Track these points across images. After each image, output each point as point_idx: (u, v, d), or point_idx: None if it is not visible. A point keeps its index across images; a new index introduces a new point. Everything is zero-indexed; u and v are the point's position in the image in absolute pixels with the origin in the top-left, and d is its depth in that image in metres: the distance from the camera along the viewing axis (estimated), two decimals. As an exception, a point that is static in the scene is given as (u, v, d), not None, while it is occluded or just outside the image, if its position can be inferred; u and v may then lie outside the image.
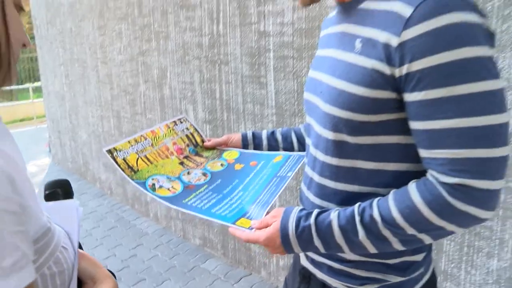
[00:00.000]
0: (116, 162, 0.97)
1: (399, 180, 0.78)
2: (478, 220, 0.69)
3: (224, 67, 2.51)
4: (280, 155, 1.08)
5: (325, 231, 0.79)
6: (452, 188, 0.68)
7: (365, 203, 0.77)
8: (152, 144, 1.08)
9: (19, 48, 0.63)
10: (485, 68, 0.66)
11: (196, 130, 1.22)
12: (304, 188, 0.95)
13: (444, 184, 0.69)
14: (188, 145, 1.16)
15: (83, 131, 4.54)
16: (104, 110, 4.00)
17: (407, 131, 0.75)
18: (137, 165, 1.00)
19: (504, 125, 0.67)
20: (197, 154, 1.15)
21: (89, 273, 0.71)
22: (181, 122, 1.20)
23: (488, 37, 0.69)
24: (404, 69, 0.69)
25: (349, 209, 0.77)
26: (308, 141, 0.95)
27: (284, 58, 2.13)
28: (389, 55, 0.70)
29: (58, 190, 0.93)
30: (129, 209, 3.84)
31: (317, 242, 0.80)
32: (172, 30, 2.88)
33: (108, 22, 3.62)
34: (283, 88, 2.18)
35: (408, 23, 0.67)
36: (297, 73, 2.09)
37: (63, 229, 0.70)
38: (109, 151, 0.98)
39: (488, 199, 0.67)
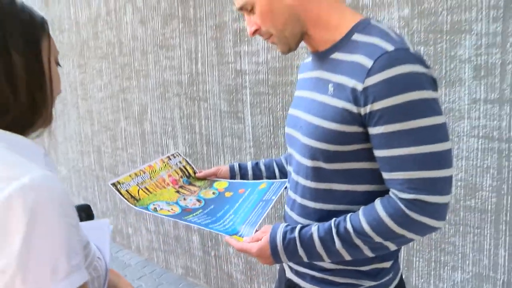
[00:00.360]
0: (121, 193, 1.11)
1: (367, 199, 0.94)
2: (432, 229, 0.86)
3: (203, 104, 2.65)
4: (264, 182, 1.23)
5: (307, 242, 0.94)
6: (409, 203, 0.84)
7: (340, 218, 0.92)
8: (150, 177, 1.22)
9: (57, 96, 0.76)
10: (430, 107, 0.83)
11: (188, 163, 1.38)
12: (287, 209, 1.09)
13: (402, 200, 0.85)
14: (181, 177, 1.30)
15: (62, 166, 4.58)
16: (85, 146, 4.07)
17: (372, 158, 0.91)
18: (138, 195, 1.13)
19: (448, 151, 0.85)
20: (190, 184, 1.29)
21: (113, 282, 0.89)
22: (175, 157, 1.36)
23: (432, 83, 0.87)
24: (368, 108, 0.85)
25: (327, 223, 0.93)
26: (290, 168, 1.10)
27: (260, 95, 2.29)
28: (355, 97, 0.86)
29: (82, 214, 1.07)
30: (111, 242, 3.87)
31: (301, 252, 0.94)
32: (152, 68, 3.02)
33: (89, 60, 3.74)
34: (259, 122, 2.32)
35: (369, 72, 0.84)
36: (272, 108, 2.24)
37: (94, 244, 0.84)
38: (114, 184, 1.13)
39: (438, 211, 0.85)
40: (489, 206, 1.54)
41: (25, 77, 0.68)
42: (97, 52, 3.61)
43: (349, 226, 0.90)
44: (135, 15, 3.09)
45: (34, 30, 0.72)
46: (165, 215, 1.07)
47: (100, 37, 3.52)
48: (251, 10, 0.98)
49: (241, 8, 1.00)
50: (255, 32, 1.01)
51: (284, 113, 2.19)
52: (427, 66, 0.86)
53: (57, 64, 0.77)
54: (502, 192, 1.51)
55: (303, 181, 1.01)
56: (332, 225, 0.92)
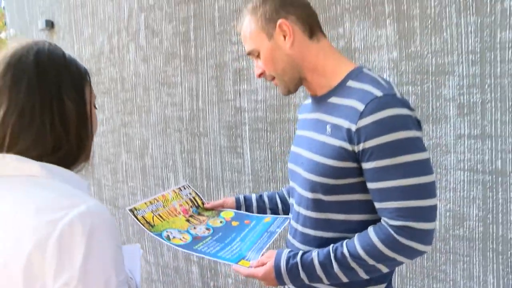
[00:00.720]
0: (137, 219, 1.22)
1: (362, 227, 1.05)
2: (419, 253, 0.98)
3: (204, 139, 2.76)
4: (268, 217, 1.34)
5: (308, 266, 1.05)
6: (399, 229, 0.96)
7: (337, 244, 1.04)
8: (163, 206, 1.34)
9: (95, 134, 0.89)
10: (415, 145, 0.97)
11: (197, 194, 1.49)
12: (290, 237, 1.20)
13: (392, 226, 0.97)
14: (191, 207, 1.41)
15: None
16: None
17: (366, 190, 1.03)
18: (153, 221, 1.24)
19: (432, 183, 0.97)
20: (199, 214, 1.40)
21: None
22: (185, 188, 1.48)
23: (416, 124, 1.00)
24: (361, 146, 0.98)
25: (326, 249, 1.04)
26: (292, 200, 1.22)
27: (259, 131, 2.41)
28: (350, 137, 0.99)
29: None
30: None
31: (302, 275, 1.05)
32: (154, 104, 3.14)
33: (91, 96, 3.86)
34: (258, 157, 2.43)
35: (361, 115, 0.97)
36: (270, 144, 2.36)
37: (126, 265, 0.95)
38: (131, 210, 1.25)
39: (425, 236, 0.96)
40: (477, 235, 1.64)
41: (75, 120, 0.81)
42: (99, 87, 3.74)
43: (345, 251, 1.01)
44: (137, 53, 3.24)
45: (81, 79, 0.85)
46: (177, 245, 1.16)
47: (103, 73, 3.66)
48: (258, 56, 1.13)
49: (249, 53, 1.15)
50: (260, 74, 1.16)
51: (282, 148, 2.31)
52: (411, 109, 1.00)
53: (95, 107, 0.90)
54: (488, 222, 1.61)
55: (304, 212, 1.12)
56: (331, 250, 1.03)
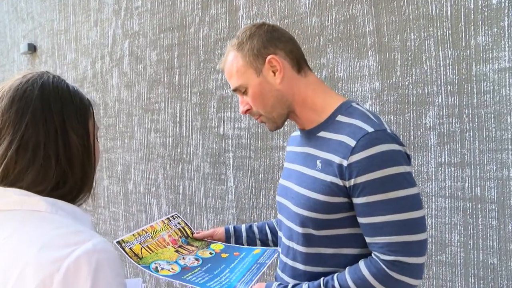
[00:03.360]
0: (125, 251, 1.21)
1: (352, 261, 1.06)
2: (410, 287, 0.98)
3: (187, 165, 2.76)
4: (258, 248, 1.34)
5: None
6: (390, 264, 0.96)
7: (328, 277, 1.04)
8: (152, 237, 1.32)
9: (97, 164, 0.88)
10: (406, 180, 0.98)
11: (186, 224, 1.49)
12: (279, 271, 1.20)
13: (384, 261, 0.97)
14: (180, 237, 1.39)
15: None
16: (64, 205, 4.07)
17: (356, 224, 1.04)
18: (141, 253, 1.23)
19: (422, 217, 0.98)
20: (188, 244, 1.39)
21: None
22: (174, 219, 1.47)
23: (406, 159, 1.02)
24: (352, 182, 0.98)
25: (316, 282, 1.04)
26: (281, 234, 1.21)
27: (242, 158, 2.42)
28: (341, 172, 1.00)
29: None
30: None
31: None
32: (137, 130, 3.14)
33: (73, 121, 3.84)
34: (242, 184, 2.44)
35: (353, 151, 0.98)
36: (254, 171, 2.38)
37: None
38: (119, 243, 1.23)
39: (416, 270, 0.97)
40: (459, 260, 1.68)
41: (80, 153, 0.80)
42: (81, 114, 3.71)
43: (336, 284, 1.01)
44: (121, 79, 3.25)
45: (85, 111, 0.84)
46: (165, 275, 1.15)
47: (85, 99, 3.64)
48: (244, 92, 1.13)
49: (235, 90, 1.14)
50: (247, 111, 1.15)
51: (266, 175, 2.32)
52: (402, 144, 1.02)
53: (96, 139, 0.89)
54: (469, 247, 1.65)
55: (295, 246, 1.12)
56: (321, 283, 1.03)
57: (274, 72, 1.10)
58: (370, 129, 0.98)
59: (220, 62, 2.51)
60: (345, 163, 0.99)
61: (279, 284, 1.09)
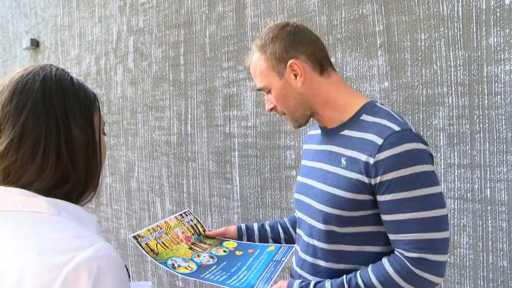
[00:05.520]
0: (142, 246, 1.21)
1: (374, 259, 1.06)
2: (433, 284, 0.99)
3: (192, 164, 2.75)
4: (272, 246, 1.34)
5: None
6: (415, 261, 0.97)
7: (351, 275, 1.04)
8: (166, 233, 1.33)
9: (104, 161, 0.85)
10: (430, 178, 0.99)
11: (198, 221, 1.49)
12: (297, 268, 1.20)
13: (408, 258, 0.98)
14: (193, 234, 1.40)
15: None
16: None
17: (379, 222, 1.05)
18: (157, 249, 1.23)
19: (445, 216, 1.00)
20: (201, 241, 1.40)
21: None
22: (187, 215, 1.47)
23: (430, 158, 1.04)
24: (378, 179, 1.00)
25: (339, 279, 1.04)
26: (300, 231, 1.22)
27: (248, 157, 2.41)
28: (367, 169, 1.01)
29: None
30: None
31: None
32: (141, 128, 3.13)
33: (76, 118, 3.83)
34: (247, 183, 2.43)
35: (380, 148, 0.99)
36: (260, 170, 2.37)
37: None
38: (135, 237, 1.23)
39: (439, 268, 0.98)
40: (468, 263, 1.67)
41: (84, 149, 0.76)
42: (84, 111, 3.70)
43: (360, 282, 1.01)
44: (125, 76, 3.23)
45: (90, 105, 0.80)
46: (183, 273, 1.15)
47: (89, 96, 3.63)
48: (269, 92, 1.16)
49: (260, 89, 1.17)
50: (272, 109, 1.18)
51: (272, 175, 2.31)
52: (426, 144, 1.03)
53: (104, 133, 0.86)
54: (478, 249, 1.64)
55: (317, 243, 1.13)
56: (344, 281, 1.03)
57: (295, 76, 1.12)
58: (397, 128, 1.00)
59: (226, 60, 2.50)
60: (371, 160, 1.00)
61: (301, 282, 1.09)
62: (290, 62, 1.11)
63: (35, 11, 4.28)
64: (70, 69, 3.83)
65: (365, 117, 1.08)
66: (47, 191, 0.73)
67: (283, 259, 1.25)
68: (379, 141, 1.00)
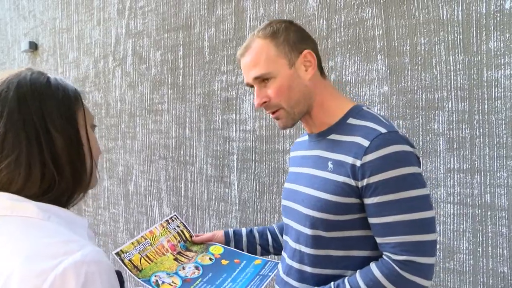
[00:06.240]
0: (124, 264, 1.16)
1: (361, 264, 1.05)
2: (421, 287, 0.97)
3: (190, 167, 2.74)
4: (259, 259, 1.31)
5: None
6: (402, 264, 0.96)
7: (339, 281, 1.03)
8: (151, 244, 1.29)
9: (98, 156, 0.83)
10: (417, 180, 0.98)
11: (185, 227, 1.45)
12: (283, 275, 1.18)
13: (396, 261, 0.97)
14: (179, 242, 1.36)
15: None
16: (63, 205, 4.04)
17: (366, 226, 1.03)
18: (141, 264, 1.19)
19: (433, 218, 0.98)
20: (187, 249, 1.36)
21: None
22: (173, 221, 1.43)
23: (417, 160, 1.02)
24: (365, 182, 0.98)
25: (327, 286, 1.02)
26: (287, 238, 1.19)
27: (247, 161, 2.40)
28: (354, 172, 1.00)
29: None
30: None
31: None
32: (139, 131, 3.11)
33: (74, 121, 3.81)
34: (246, 187, 2.42)
35: (367, 150, 0.98)
36: (258, 174, 2.35)
37: None
38: (117, 254, 1.18)
39: (427, 271, 0.97)
40: (467, 268, 1.66)
41: (66, 152, 0.74)
42: (82, 114, 3.68)
43: (348, 287, 1.00)
44: (124, 79, 3.22)
45: (70, 105, 0.78)
46: None
47: (87, 97, 3.62)
48: (264, 81, 1.09)
49: (256, 79, 1.09)
50: (263, 103, 1.10)
51: (271, 179, 2.30)
52: (413, 146, 1.03)
53: (93, 126, 0.84)
54: (478, 255, 1.63)
55: (303, 248, 1.11)
56: (332, 287, 1.02)
57: (306, 68, 1.10)
58: (383, 130, 1.00)
59: (225, 63, 2.49)
60: (358, 163, 0.99)
61: None
62: (305, 51, 1.09)
63: (34, 14, 4.28)
64: (69, 72, 3.82)
65: (351, 120, 1.08)
66: (37, 197, 0.72)
67: (269, 274, 1.22)
68: (365, 143, 0.99)
